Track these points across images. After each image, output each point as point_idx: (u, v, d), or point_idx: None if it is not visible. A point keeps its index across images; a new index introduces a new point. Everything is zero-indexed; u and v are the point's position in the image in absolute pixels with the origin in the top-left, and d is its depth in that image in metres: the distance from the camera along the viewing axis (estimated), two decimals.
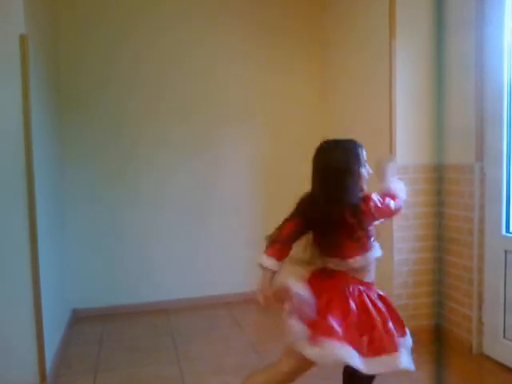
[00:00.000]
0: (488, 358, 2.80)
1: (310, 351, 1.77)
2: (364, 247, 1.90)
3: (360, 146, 1.96)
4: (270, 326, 3.10)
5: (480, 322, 2.84)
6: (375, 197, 1.90)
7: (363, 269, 1.90)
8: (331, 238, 1.90)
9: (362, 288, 1.89)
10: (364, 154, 1.95)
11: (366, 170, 1.95)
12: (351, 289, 1.86)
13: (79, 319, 3.62)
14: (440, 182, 1.07)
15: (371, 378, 2.17)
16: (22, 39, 2.39)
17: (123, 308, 3.76)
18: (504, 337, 2.72)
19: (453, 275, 2.97)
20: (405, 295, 3.08)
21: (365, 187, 1.94)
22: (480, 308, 2.84)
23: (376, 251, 1.95)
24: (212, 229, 3.94)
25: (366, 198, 1.89)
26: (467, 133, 2.80)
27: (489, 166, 2.75)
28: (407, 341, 1.95)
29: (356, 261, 1.88)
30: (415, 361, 2.82)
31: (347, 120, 3.70)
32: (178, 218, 3.88)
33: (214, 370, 2.75)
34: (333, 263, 1.90)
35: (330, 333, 1.75)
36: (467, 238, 2.86)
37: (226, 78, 3.93)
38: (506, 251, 2.68)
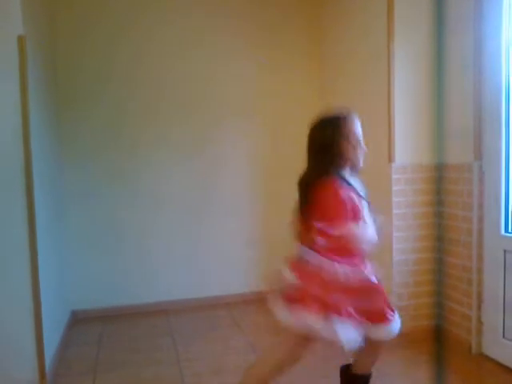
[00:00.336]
0: (487, 357, 2.80)
1: (286, 318, 1.86)
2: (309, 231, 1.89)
3: (343, 118, 1.93)
4: (269, 327, 3.10)
5: (479, 321, 2.83)
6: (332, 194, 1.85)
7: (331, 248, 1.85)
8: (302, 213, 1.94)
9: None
10: (352, 125, 1.93)
11: (352, 142, 1.92)
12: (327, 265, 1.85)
13: (78, 320, 3.62)
14: (439, 182, 1.07)
15: (367, 376, 2.18)
16: (20, 40, 2.39)
17: (123, 309, 3.76)
18: (503, 337, 2.71)
19: (452, 275, 2.97)
20: (405, 295, 3.08)
21: (355, 158, 1.94)
22: (479, 308, 2.83)
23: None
24: (211, 229, 3.93)
25: (328, 184, 1.85)
26: (466, 132, 2.80)
27: (487, 165, 2.75)
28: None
29: (319, 240, 1.85)
30: (415, 361, 2.82)
31: None
32: (177, 218, 3.88)
33: (214, 370, 2.75)
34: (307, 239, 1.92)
35: (307, 304, 1.81)
36: (466, 237, 2.86)
37: (225, 78, 3.93)
38: (505, 251, 2.67)
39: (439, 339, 1.01)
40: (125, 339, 3.30)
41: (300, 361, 1.99)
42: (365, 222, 1.91)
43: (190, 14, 3.85)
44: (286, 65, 4.05)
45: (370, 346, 2.06)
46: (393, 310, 2.05)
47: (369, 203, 1.99)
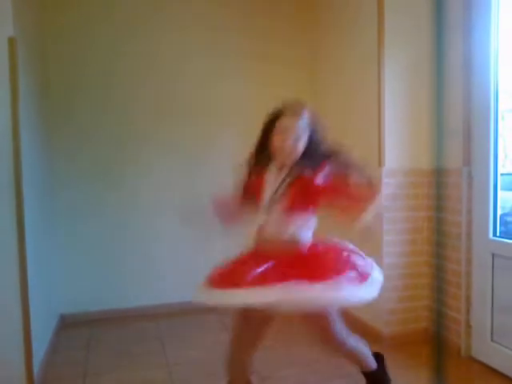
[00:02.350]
0: (476, 360, 2.82)
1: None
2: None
3: (279, 113, 1.99)
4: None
5: (468, 325, 2.86)
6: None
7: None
8: None
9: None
10: (283, 121, 1.96)
11: (277, 137, 1.95)
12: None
13: (67, 324, 3.59)
14: (439, 187, 1.07)
15: (373, 372, 2.16)
16: (11, 42, 2.37)
17: (111, 313, 3.73)
18: (492, 340, 2.74)
19: (442, 279, 2.99)
20: (395, 299, 3.10)
21: (279, 153, 1.95)
22: (468, 311, 2.86)
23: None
24: (201, 234, 3.90)
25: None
26: (455, 138, 2.83)
27: (476, 171, 2.78)
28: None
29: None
30: (404, 364, 2.84)
31: (337, 125, 3.71)
32: (167, 222, 3.86)
33: (204, 374, 2.74)
34: None
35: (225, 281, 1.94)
36: (455, 241, 2.88)
37: (222, 88, 3.94)
38: (493, 255, 2.71)
39: (438, 347, 1.01)
40: (114, 343, 3.28)
41: (260, 329, 2.02)
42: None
43: (185, 19, 3.86)
44: (276, 73, 4.05)
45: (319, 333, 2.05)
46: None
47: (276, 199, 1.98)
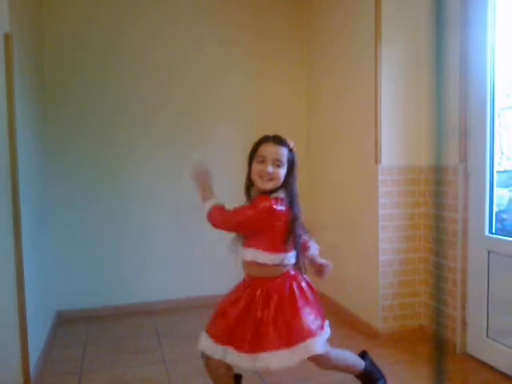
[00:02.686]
0: (471, 357, 2.83)
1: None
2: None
3: (258, 143, 2.00)
4: None
5: (464, 322, 2.87)
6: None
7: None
8: None
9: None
10: (259, 150, 1.98)
11: (257, 166, 1.97)
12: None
13: (63, 321, 3.59)
14: (438, 184, 1.07)
15: (363, 373, 2.18)
16: (7, 38, 2.36)
17: (108, 309, 3.74)
18: (487, 336, 2.75)
19: (438, 275, 3.00)
20: (390, 295, 3.11)
21: (255, 180, 1.98)
22: (464, 308, 2.87)
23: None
24: (198, 229, 3.91)
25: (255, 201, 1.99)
26: (451, 135, 2.83)
27: (472, 168, 2.79)
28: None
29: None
30: (399, 360, 2.85)
31: (334, 123, 3.72)
32: (164, 218, 3.87)
33: (201, 370, 2.73)
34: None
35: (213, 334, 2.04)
36: (451, 238, 2.89)
37: (219, 83, 3.93)
38: (488, 251, 2.72)
39: (439, 345, 1.01)
40: (111, 340, 3.28)
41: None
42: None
43: (185, 21, 3.86)
44: (273, 71, 4.05)
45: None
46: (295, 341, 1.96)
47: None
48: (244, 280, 2.09)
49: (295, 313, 1.95)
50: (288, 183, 1.98)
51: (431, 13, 0.92)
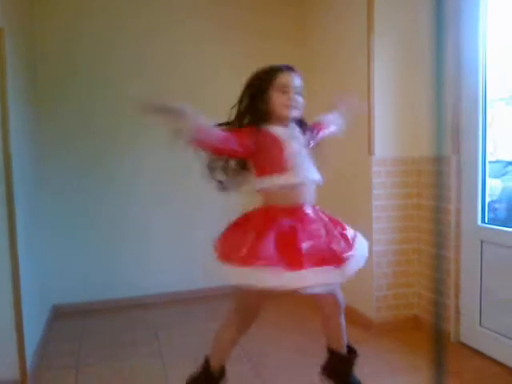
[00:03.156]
0: (465, 345, 2.87)
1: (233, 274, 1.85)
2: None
3: (276, 70, 1.99)
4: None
5: (457, 311, 2.90)
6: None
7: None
8: None
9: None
10: (283, 78, 1.97)
11: (279, 94, 1.96)
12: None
13: (59, 315, 3.59)
14: (439, 175, 1.07)
15: (343, 355, 2.18)
16: None
17: (104, 303, 3.74)
18: (480, 325, 2.79)
19: (431, 266, 3.04)
20: (385, 286, 3.13)
21: (280, 109, 1.96)
22: (457, 297, 2.90)
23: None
24: (191, 221, 3.92)
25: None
26: (445, 126, 2.85)
27: (465, 159, 2.81)
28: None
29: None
30: (397, 349, 2.88)
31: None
32: (159, 212, 3.87)
33: (197, 362, 2.75)
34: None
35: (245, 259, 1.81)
36: (445, 229, 2.91)
37: (216, 81, 3.91)
38: (481, 241, 2.74)
39: (439, 340, 1.02)
40: (107, 333, 3.29)
41: (260, 313, 2.06)
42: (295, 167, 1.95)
43: (181, 19, 3.83)
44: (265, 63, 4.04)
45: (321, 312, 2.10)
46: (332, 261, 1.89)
47: (309, 146, 2.08)
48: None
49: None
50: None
51: (431, 4, 0.92)
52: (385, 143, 3.09)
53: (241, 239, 1.88)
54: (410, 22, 3.05)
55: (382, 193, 3.09)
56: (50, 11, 3.59)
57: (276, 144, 1.95)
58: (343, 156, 3.46)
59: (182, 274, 3.93)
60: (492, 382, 2.50)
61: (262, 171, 1.98)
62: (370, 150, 3.09)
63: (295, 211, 1.94)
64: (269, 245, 1.80)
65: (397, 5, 3.05)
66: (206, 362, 2.18)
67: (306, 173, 1.99)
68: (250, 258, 1.79)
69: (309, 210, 1.97)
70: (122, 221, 3.81)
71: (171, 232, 3.91)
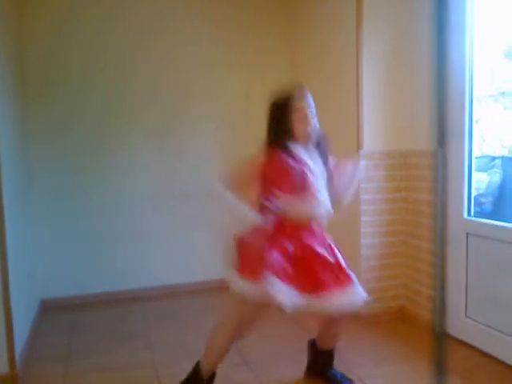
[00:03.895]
0: (450, 336, 2.91)
1: (244, 287, 1.97)
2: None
3: (291, 96, 2.08)
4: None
5: (442, 302, 2.94)
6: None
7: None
8: None
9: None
10: (298, 102, 2.07)
11: (298, 118, 2.04)
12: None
13: (48, 309, 3.58)
14: (431, 169, 1.09)
15: (330, 351, 2.25)
16: None
17: (93, 297, 3.73)
18: (465, 316, 2.84)
19: (419, 258, 3.08)
20: (372, 279, 3.17)
21: (303, 132, 2.05)
22: (443, 289, 2.94)
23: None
24: (186, 214, 3.91)
25: (271, 157, 2.04)
26: (430, 120, 2.88)
27: (451, 152, 2.85)
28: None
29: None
30: (384, 341, 2.92)
31: (318, 111, 3.72)
32: (149, 205, 3.86)
33: (187, 356, 2.76)
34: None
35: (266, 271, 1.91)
36: (431, 221, 2.95)
37: (207, 78, 3.94)
38: (467, 234, 2.79)
39: (440, 342, 1.04)
40: (96, 327, 3.29)
41: (256, 323, 2.13)
42: (314, 194, 2.03)
43: (173, 18, 3.82)
44: (260, 66, 4.04)
45: (327, 321, 2.14)
46: (347, 282, 2.07)
47: (329, 174, 2.14)
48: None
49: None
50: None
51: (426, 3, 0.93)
52: (373, 137, 3.12)
53: (262, 258, 1.96)
54: (399, 19, 3.08)
55: (370, 186, 3.12)
56: (40, 9, 3.55)
57: (297, 166, 2.02)
58: (332, 150, 3.48)
59: (174, 267, 3.93)
60: (477, 372, 2.55)
61: (282, 191, 2.04)
62: (358, 144, 3.11)
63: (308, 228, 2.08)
64: (288, 267, 1.95)
65: (386, 2, 3.07)
66: (197, 366, 2.20)
67: (324, 204, 2.09)
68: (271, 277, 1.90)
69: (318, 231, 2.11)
70: (112, 215, 3.80)
71: (163, 225, 3.91)
